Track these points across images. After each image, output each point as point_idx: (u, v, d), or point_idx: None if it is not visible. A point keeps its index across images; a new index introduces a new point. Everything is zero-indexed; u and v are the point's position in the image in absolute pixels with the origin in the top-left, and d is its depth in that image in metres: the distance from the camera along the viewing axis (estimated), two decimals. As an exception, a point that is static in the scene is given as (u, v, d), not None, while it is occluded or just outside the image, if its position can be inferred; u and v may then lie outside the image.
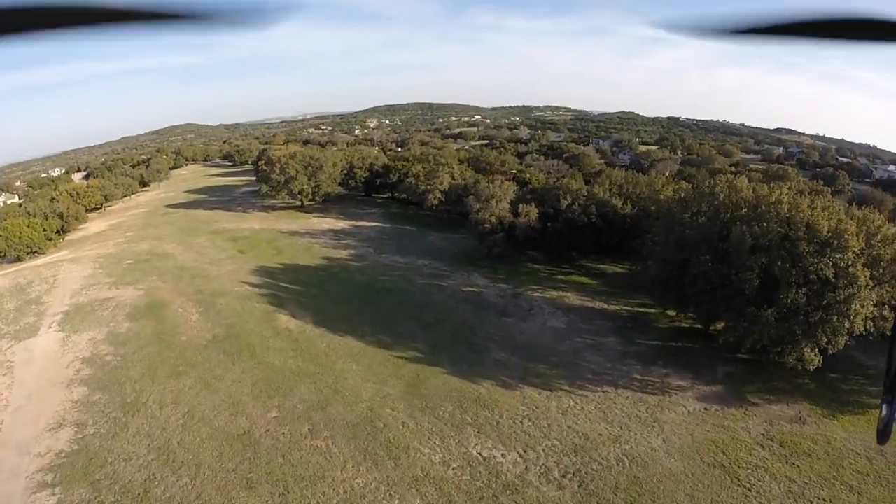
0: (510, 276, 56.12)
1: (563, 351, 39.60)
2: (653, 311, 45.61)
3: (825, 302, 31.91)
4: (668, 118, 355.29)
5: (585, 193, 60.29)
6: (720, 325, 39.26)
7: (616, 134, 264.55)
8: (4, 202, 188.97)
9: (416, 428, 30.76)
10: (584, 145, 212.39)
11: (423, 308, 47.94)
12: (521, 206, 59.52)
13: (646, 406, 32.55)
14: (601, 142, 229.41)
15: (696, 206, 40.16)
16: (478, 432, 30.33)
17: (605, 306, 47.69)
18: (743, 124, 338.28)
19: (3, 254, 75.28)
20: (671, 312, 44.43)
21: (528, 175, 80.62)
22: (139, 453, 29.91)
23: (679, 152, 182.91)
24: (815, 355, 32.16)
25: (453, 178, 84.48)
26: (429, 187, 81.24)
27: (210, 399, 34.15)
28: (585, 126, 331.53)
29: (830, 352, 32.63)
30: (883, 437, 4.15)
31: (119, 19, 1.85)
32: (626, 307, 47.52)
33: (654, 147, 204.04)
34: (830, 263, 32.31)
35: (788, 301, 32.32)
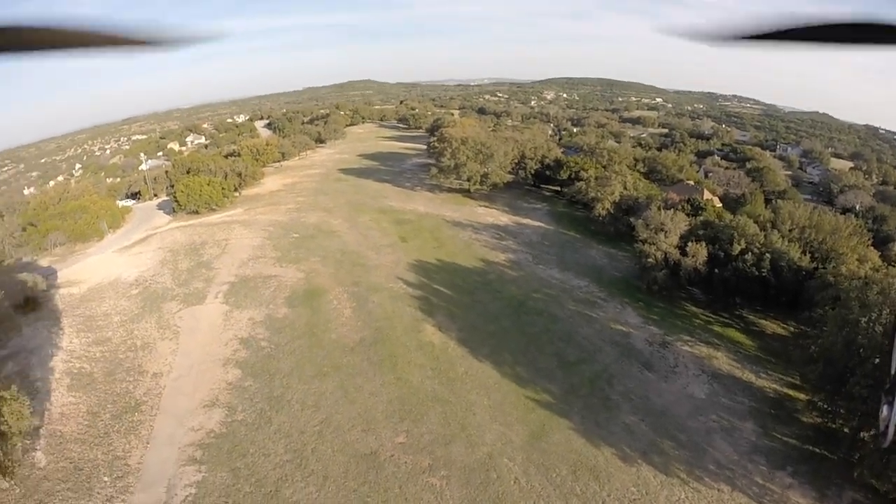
0: (664, 316, 54.61)
1: (694, 428, 37.96)
2: (801, 396, 41.67)
3: None
4: (866, 127, 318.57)
5: (762, 240, 56.86)
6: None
7: (806, 140, 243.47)
8: (192, 142, 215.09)
9: (527, 487, 31.81)
10: (771, 150, 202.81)
11: (567, 342, 48.40)
12: (689, 244, 57.63)
13: (754, 521, 30.81)
14: (789, 148, 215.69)
15: (877, 310, 36.38)
16: (581, 508, 30.89)
17: (753, 379, 44.46)
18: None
19: (183, 207, 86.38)
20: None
21: (703, 199, 76.95)
22: (277, 451, 34.03)
23: (874, 176, 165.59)
24: None
25: (625, 187, 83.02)
26: (599, 195, 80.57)
27: (347, 410, 37.68)
28: (773, 125, 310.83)
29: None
30: (884, 438, 4.69)
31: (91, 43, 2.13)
32: (775, 384, 43.93)
33: (848, 163, 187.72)
34: None
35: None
